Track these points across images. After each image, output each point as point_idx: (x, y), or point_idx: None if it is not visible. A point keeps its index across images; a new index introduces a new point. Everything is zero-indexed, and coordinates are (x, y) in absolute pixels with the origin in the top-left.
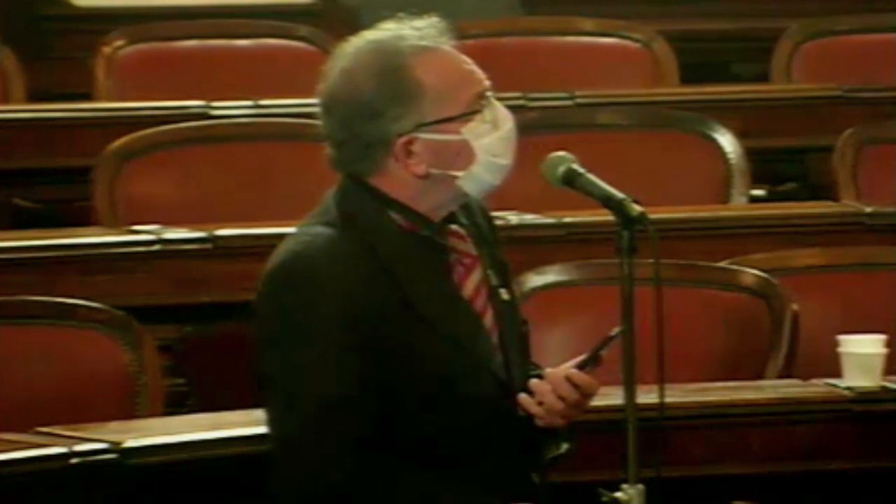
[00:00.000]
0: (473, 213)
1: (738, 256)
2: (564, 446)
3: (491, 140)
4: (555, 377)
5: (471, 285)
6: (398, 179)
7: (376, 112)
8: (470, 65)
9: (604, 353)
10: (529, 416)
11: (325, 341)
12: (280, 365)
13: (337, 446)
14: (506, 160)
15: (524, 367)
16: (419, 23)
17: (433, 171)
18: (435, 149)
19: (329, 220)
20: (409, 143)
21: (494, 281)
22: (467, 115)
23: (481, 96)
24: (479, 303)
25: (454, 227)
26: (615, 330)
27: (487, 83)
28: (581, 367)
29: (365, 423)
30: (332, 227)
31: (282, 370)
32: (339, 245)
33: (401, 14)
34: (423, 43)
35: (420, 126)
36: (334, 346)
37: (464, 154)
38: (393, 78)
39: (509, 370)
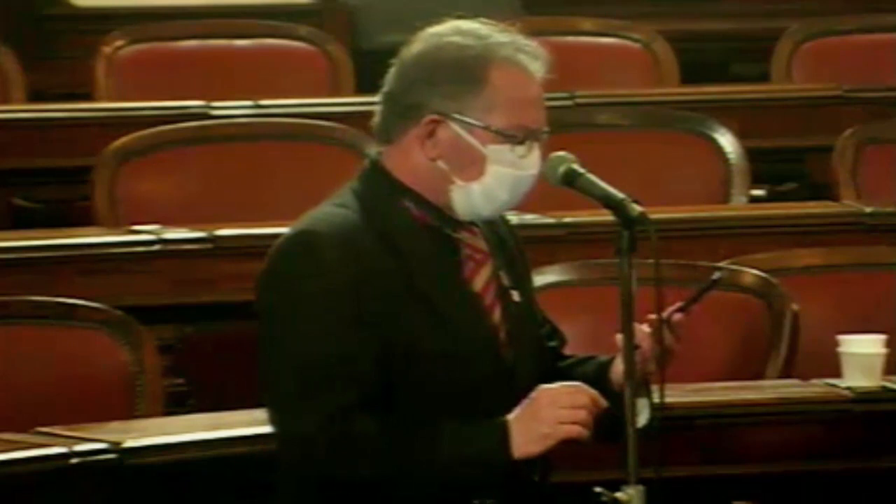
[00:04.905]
0: (493, 222)
1: (738, 256)
2: (644, 417)
3: (506, 171)
4: (653, 321)
5: (481, 281)
6: (408, 156)
7: (433, 80)
8: (542, 103)
9: (701, 300)
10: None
11: (327, 312)
12: (279, 332)
13: (332, 415)
14: (505, 196)
15: (534, 369)
16: (533, 44)
17: (441, 164)
18: (456, 144)
19: (343, 202)
20: (437, 123)
21: (507, 282)
22: (503, 136)
23: (529, 133)
24: (489, 299)
25: (465, 222)
26: (717, 274)
27: (545, 129)
28: (680, 310)
29: (362, 396)
30: (344, 208)
31: (280, 338)
32: (349, 224)
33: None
34: (519, 56)
35: (457, 115)
36: (335, 317)
37: (476, 166)
38: (470, 63)
39: (516, 367)
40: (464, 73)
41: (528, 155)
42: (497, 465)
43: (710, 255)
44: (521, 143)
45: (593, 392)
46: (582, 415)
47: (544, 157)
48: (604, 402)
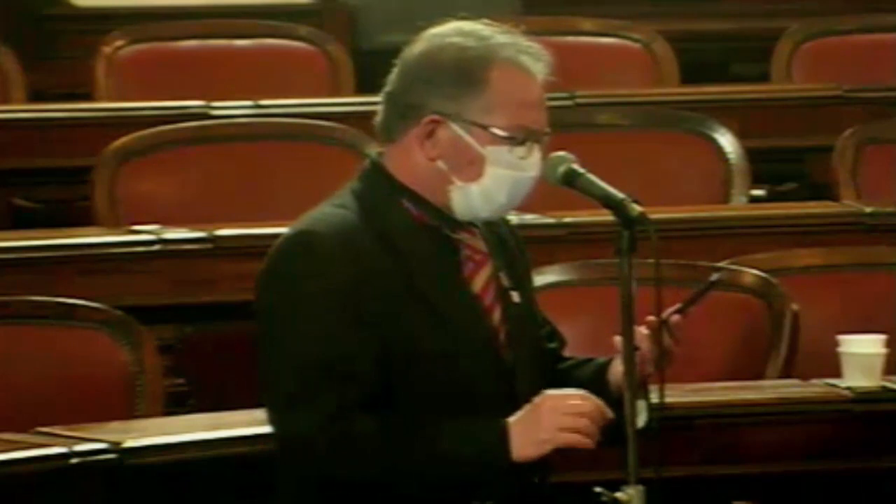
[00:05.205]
0: (494, 222)
1: (738, 256)
2: (642, 419)
3: (505, 172)
4: (652, 323)
5: (480, 281)
6: (408, 156)
7: (434, 81)
8: (543, 105)
9: (699, 302)
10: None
11: (326, 312)
12: (278, 332)
13: (332, 414)
14: (504, 198)
15: (534, 370)
16: (536, 45)
17: (440, 164)
18: (455, 145)
19: (342, 202)
20: (438, 123)
21: (507, 282)
22: (502, 137)
23: (529, 134)
24: (488, 299)
25: (465, 222)
26: (715, 276)
27: (546, 131)
28: (678, 312)
29: (362, 396)
30: (344, 208)
31: (280, 338)
32: (348, 225)
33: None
34: (521, 58)
35: (457, 115)
36: (334, 317)
37: (475, 167)
38: (471, 64)
39: (516, 368)
40: (464, 73)
41: (527, 157)
42: (495, 465)
43: (710, 255)
44: (520, 144)
45: (599, 402)
46: (583, 423)
47: (544, 157)
48: (610, 413)
